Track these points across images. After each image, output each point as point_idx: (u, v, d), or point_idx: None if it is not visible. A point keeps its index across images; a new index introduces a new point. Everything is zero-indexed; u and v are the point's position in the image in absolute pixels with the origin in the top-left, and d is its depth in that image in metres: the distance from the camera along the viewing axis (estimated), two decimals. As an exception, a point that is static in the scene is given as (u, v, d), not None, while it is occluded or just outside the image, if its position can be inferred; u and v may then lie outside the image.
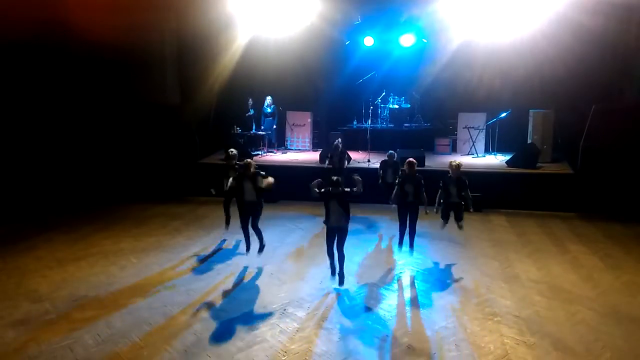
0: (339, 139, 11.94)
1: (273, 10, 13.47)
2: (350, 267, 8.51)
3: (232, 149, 9.97)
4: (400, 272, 8.32)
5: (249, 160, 8.66)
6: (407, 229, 8.75)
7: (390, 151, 10.88)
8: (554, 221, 10.98)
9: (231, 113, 14.80)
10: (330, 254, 7.66)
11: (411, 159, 8.78)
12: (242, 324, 6.64)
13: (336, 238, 7.54)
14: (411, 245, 8.81)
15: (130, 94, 13.68)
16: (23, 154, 12.95)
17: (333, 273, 7.76)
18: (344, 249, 7.61)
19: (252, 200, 8.46)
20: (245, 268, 8.52)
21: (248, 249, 8.85)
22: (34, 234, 10.19)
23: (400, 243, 8.95)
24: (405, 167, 8.71)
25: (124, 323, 6.70)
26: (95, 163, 13.54)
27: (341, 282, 7.67)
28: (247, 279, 8.11)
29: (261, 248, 8.74)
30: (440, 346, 6.12)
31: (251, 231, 8.70)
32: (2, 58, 12.17)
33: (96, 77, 13.62)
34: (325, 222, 7.58)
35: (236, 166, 9.44)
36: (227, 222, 9.93)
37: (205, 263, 8.77)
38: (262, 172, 8.50)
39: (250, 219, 8.60)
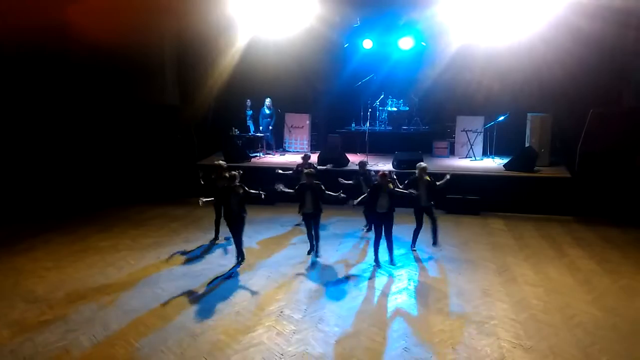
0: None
1: (272, 13, 13.48)
2: (348, 269, 8.54)
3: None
4: (397, 275, 8.31)
5: (234, 172, 8.60)
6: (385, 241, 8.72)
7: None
8: (552, 225, 10.99)
9: (230, 115, 14.81)
10: (310, 236, 9.03)
11: (385, 171, 8.56)
12: (239, 326, 6.64)
13: (312, 223, 8.91)
14: (391, 259, 8.74)
15: (130, 96, 13.69)
16: (22, 155, 12.94)
17: (310, 252, 9.10)
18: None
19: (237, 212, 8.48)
20: (243, 270, 8.51)
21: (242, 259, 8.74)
22: (31, 235, 10.18)
23: (377, 258, 8.70)
24: (378, 178, 8.48)
25: (121, 324, 6.69)
26: (93, 164, 13.53)
27: (314, 251, 9.09)
28: (244, 281, 8.09)
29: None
30: (437, 349, 6.12)
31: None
32: (3, 61, 12.18)
33: (95, 79, 13.62)
34: (306, 208, 8.75)
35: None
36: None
37: (203, 265, 8.76)
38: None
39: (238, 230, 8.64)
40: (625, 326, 6.66)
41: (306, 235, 9.14)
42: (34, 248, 9.51)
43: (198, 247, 9.62)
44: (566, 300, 7.40)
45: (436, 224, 9.26)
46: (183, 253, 9.32)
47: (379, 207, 8.42)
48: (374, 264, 8.62)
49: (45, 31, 11.99)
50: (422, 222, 9.24)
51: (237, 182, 8.41)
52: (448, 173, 9.41)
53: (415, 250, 9.32)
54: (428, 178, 9.00)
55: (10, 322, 6.77)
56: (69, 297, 7.49)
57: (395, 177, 9.05)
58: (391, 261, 8.68)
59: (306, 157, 10.70)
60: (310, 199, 8.69)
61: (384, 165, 13.04)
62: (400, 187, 8.84)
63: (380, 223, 8.58)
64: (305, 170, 9.23)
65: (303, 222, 9.23)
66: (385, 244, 8.67)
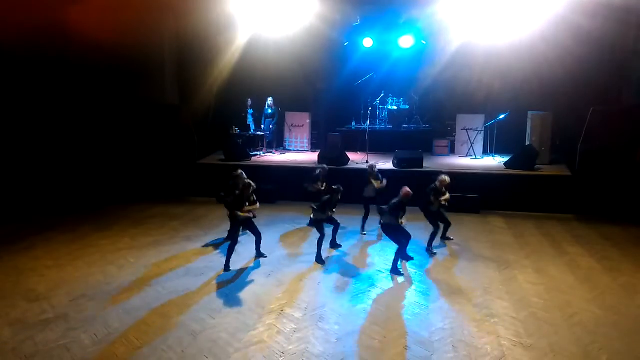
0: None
1: (272, 11, 13.49)
2: (348, 268, 8.56)
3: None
4: (398, 274, 8.31)
5: (249, 181, 8.65)
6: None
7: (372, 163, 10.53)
8: (552, 223, 10.99)
9: (230, 113, 14.81)
10: (322, 243, 8.81)
11: (408, 190, 8.23)
12: (240, 325, 6.64)
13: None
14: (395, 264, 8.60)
15: (130, 95, 13.69)
16: (22, 154, 12.96)
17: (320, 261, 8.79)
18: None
19: (246, 217, 8.54)
20: (243, 269, 8.52)
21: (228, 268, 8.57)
22: (32, 234, 10.18)
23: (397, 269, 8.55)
24: (402, 198, 8.21)
25: (121, 323, 6.69)
26: (94, 163, 13.54)
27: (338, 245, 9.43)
28: (245, 279, 8.10)
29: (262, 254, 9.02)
30: (437, 347, 6.12)
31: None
32: (4, 61, 12.19)
33: (95, 78, 13.63)
34: (325, 214, 8.77)
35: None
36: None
37: (203, 264, 8.76)
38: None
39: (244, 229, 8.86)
40: (625, 324, 6.67)
41: (318, 240, 8.77)
42: (35, 247, 9.51)
43: (198, 246, 9.61)
44: (566, 298, 7.41)
45: (449, 224, 9.49)
46: (183, 251, 9.31)
47: (398, 221, 8.35)
48: (394, 274, 8.35)
49: (45, 31, 12.02)
50: (437, 224, 9.27)
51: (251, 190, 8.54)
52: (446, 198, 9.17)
53: (431, 249, 9.26)
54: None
55: (12, 320, 6.78)
56: (70, 295, 7.49)
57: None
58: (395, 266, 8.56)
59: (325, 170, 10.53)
60: (332, 207, 8.90)
61: (385, 164, 13.03)
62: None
63: (401, 234, 8.43)
64: (334, 187, 9.02)
65: (314, 227, 9.09)
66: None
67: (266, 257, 8.95)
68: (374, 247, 9.56)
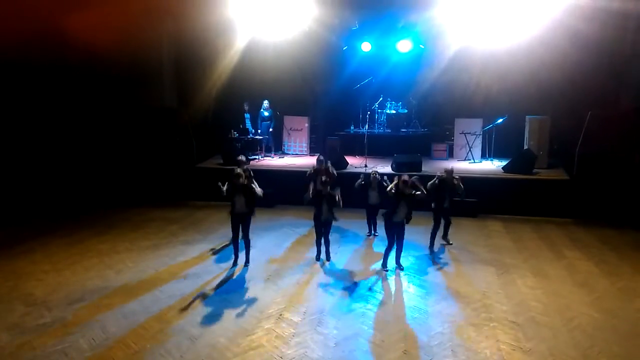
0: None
1: (271, 15, 13.51)
2: (347, 272, 8.55)
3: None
4: (396, 278, 8.29)
5: (239, 170, 8.66)
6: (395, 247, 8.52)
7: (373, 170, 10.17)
8: (550, 227, 11.00)
9: (229, 117, 14.81)
10: (319, 243, 8.96)
11: (405, 178, 8.15)
12: (238, 329, 6.63)
13: (324, 229, 8.92)
14: (398, 262, 8.66)
15: (128, 98, 13.70)
16: (21, 158, 12.94)
17: (318, 258, 8.96)
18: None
19: (242, 211, 8.51)
20: (242, 272, 8.51)
21: (235, 262, 8.76)
22: (30, 238, 10.16)
23: (385, 264, 8.60)
24: (400, 186, 8.11)
25: (119, 327, 6.67)
26: (92, 167, 13.52)
27: (328, 258, 9.04)
28: (243, 284, 8.09)
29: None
30: (436, 352, 6.12)
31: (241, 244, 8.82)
32: (3, 65, 12.19)
33: (94, 82, 13.63)
34: (317, 217, 8.76)
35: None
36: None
37: (201, 267, 8.75)
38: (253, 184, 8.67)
39: (240, 228, 8.66)
40: (624, 328, 6.68)
41: (315, 240, 8.98)
42: (33, 250, 9.49)
43: (196, 250, 9.59)
44: (565, 302, 7.41)
45: (450, 222, 9.59)
46: (181, 255, 9.30)
47: (397, 217, 8.24)
48: (382, 268, 8.51)
49: (44, 36, 12.01)
50: (440, 223, 9.36)
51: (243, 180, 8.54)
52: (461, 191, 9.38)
53: (433, 252, 9.33)
54: (455, 182, 9.20)
55: (9, 325, 6.76)
56: (68, 299, 7.47)
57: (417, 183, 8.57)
58: (399, 266, 8.62)
59: (320, 162, 10.38)
60: (327, 207, 8.68)
61: (383, 168, 13.04)
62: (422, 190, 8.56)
63: (393, 232, 8.38)
64: (323, 179, 8.89)
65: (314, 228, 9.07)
66: (395, 250, 8.53)
67: (248, 264, 8.75)
68: (373, 251, 9.55)
